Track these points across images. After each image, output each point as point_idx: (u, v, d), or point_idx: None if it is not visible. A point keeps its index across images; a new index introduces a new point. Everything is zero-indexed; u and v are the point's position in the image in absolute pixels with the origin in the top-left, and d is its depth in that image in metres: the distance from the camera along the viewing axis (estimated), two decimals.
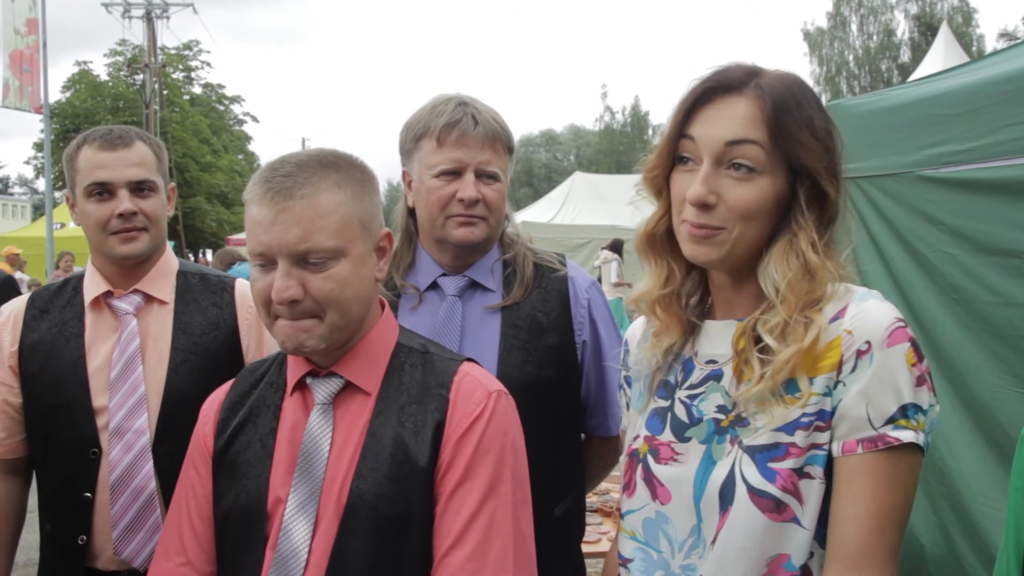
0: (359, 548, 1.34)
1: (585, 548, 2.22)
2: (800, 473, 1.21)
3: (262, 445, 1.45)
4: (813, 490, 1.21)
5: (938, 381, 3.21)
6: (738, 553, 1.22)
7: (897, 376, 1.18)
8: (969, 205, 3.07)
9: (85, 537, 1.97)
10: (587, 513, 2.25)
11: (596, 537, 3.34)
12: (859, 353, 1.20)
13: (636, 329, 1.54)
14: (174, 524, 1.52)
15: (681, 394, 1.38)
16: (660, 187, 1.38)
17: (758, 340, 1.28)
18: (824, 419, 1.21)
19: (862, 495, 1.18)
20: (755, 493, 1.22)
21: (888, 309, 1.23)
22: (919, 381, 1.19)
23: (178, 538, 1.50)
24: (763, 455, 1.23)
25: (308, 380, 1.45)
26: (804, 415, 1.22)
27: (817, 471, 1.21)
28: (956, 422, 3.17)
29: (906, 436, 1.17)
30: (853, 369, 1.20)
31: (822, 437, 1.22)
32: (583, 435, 2.06)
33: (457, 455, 1.37)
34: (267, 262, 1.36)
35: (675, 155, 1.33)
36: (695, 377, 1.37)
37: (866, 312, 1.22)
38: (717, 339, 1.37)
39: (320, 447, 1.40)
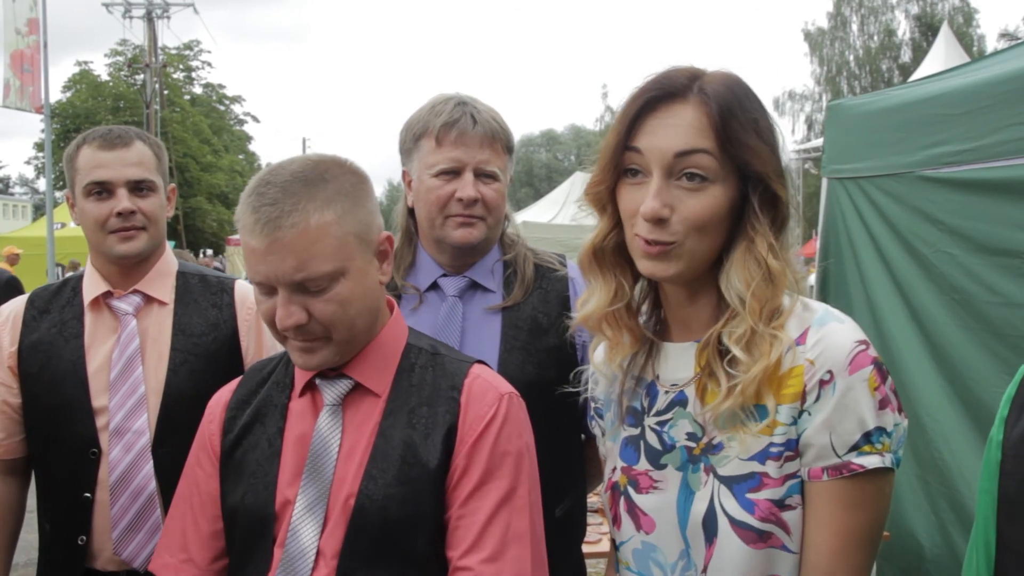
0: (367, 549, 1.34)
1: (586, 548, 2.22)
2: (781, 505, 1.21)
3: (269, 445, 1.45)
4: (799, 518, 1.22)
5: (938, 381, 3.24)
6: None
7: (860, 404, 1.18)
8: (970, 205, 3.07)
9: (85, 537, 1.97)
10: (588, 513, 2.24)
11: (596, 537, 3.33)
12: (822, 383, 1.19)
13: (598, 357, 1.49)
14: (177, 520, 1.52)
15: (650, 421, 1.36)
16: (604, 202, 1.33)
17: (723, 354, 1.25)
18: (791, 448, 1.22)
19: (827, 520, 1.20)
20: (737, 525, 1.22)
21: (848, 332, 1.22)
22: (882, 404, 1.19)
23: (181, 535, 1.50)
24: (740, 486, 1.23)
25: (317, 381, 1.45)
26: (772, 444, 1.22)
27: (798, 500, 1.22)
28: (956, 422, 3.17)
29: (870, 462, 1.18)
30: (817, 399, 1.19)
31: (796, 466, 1.22)
32: (583, 436, 2.06)
33: (472, 459, 1.36)
34: (268, 289, 1.36)
35: (620, 167, 1.28)
36: (660, 403, 1.35)
37: (827, 339, 1.21)
38: (677, 362, 1.34)
39: (329, 448, 1.40)
